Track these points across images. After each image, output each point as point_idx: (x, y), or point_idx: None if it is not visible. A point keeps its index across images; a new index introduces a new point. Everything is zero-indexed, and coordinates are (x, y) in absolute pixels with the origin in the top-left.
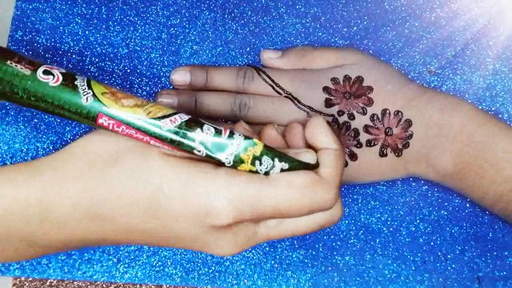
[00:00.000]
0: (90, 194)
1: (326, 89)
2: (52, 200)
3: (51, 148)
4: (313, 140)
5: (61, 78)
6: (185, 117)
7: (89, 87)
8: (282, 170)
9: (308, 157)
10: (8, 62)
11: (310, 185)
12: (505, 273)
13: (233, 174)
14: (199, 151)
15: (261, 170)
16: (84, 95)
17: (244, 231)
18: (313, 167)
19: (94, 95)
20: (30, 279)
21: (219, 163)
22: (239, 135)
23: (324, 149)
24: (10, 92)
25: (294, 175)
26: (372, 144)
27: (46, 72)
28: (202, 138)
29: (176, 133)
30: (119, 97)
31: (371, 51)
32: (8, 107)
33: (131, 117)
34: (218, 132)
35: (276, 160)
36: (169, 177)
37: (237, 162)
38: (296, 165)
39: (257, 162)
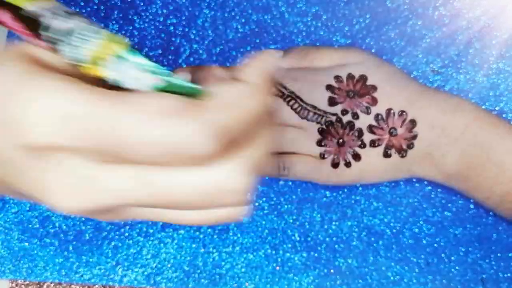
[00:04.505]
0: None
1: (329, 87)
2: None
3: None
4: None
5: None
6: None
7: None
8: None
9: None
10: None
11: (173, 111)
12: (509, 274)
13: (63, 79)
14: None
15: (112, 78)
16: None
17: (78, 168)
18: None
19: None
20: (27, 282)
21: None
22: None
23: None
24: None
25: (158, 96)
26: (376, 144)
27: None
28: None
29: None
30: None
31: (373, 50)
32: None
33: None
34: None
35: (143, 67)
36: None
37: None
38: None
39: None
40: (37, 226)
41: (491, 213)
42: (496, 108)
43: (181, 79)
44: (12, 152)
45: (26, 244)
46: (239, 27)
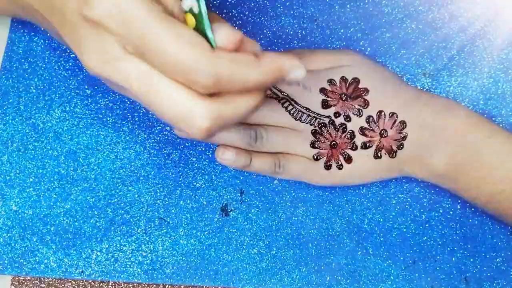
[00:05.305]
0: None
1: (323, 90)
2: None
3: (48, 148)
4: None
5: None
6: None
7: None
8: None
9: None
10: None
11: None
12: (492, 273)
13: None
14: None
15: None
16: None
17: (109, 45)
18: None
19: None
20: (29, 277)
21: None
22: None
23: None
24: None
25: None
26: (368, 146)
27: None
28: None
29: None
30: None
31: (367, 53)
32: (6, 107)
33: None
34: None
35: None
36: None
37: None
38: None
39: None
40: (38, 223)
41: (477, 213)
42: (486, 111)
43: (206, 17)
44: (75, 15)
45: (27, 241)
46: (236, 28)
